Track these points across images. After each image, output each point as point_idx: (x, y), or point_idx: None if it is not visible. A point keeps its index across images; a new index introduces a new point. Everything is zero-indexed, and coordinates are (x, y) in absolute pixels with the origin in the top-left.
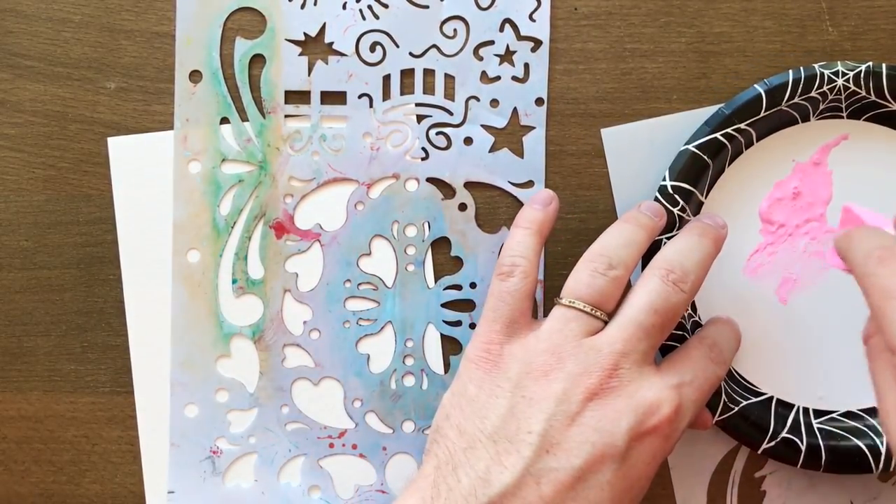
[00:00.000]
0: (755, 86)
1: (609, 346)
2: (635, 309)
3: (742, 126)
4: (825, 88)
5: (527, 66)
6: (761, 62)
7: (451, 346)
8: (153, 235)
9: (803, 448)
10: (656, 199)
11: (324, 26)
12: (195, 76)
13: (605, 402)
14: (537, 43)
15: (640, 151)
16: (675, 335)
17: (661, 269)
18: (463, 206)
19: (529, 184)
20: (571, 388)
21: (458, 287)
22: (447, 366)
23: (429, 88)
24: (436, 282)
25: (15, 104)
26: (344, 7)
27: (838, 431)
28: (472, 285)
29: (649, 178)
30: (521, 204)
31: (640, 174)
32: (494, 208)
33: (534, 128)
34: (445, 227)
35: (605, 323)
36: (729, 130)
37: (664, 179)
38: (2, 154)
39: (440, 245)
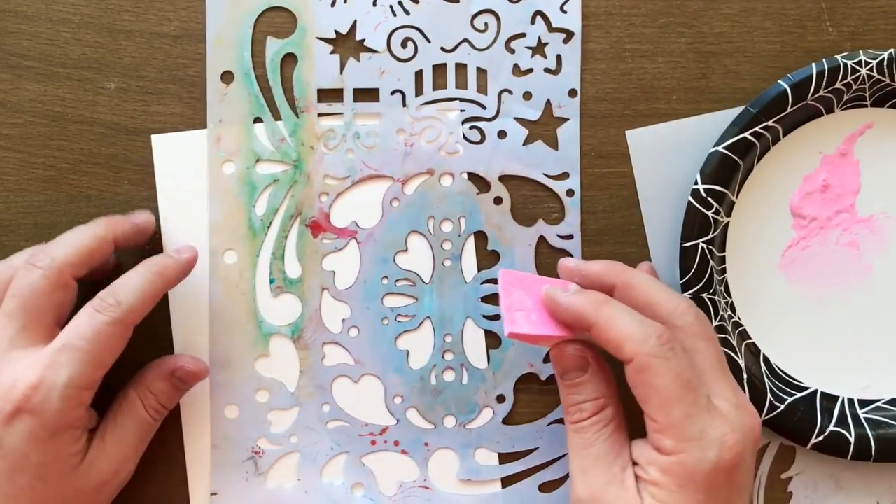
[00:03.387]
0: (780, 82)
1: None
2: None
3: (769, 123)
4: (849, 79)
5: (559, 57)
6: (761, 62)
7: (491, 341)
8: (193, 235)
9: (852, 440)
10: (689, 203)
11: (354, 23)
12: (227, 77)
13: None
14: (569, 34)
15: (666, 153)
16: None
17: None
18: (498, 200)
19: (564, 175)
20: None
21: (495, 281)
22: (488, 359)
23: (461, 83)
24: (473, 276)
25: (15, 105)
26: (374, 4)
27: (885, 420)
28: None
29: (675, 179)
30: (556, 195)
31: (666, 175)
32: (530, 201)
33: (567, 119)
34: (481, 221)
35: None
36: (757, 129)
37: (696, 183)
38: (2, 154)
39: (477, 239)
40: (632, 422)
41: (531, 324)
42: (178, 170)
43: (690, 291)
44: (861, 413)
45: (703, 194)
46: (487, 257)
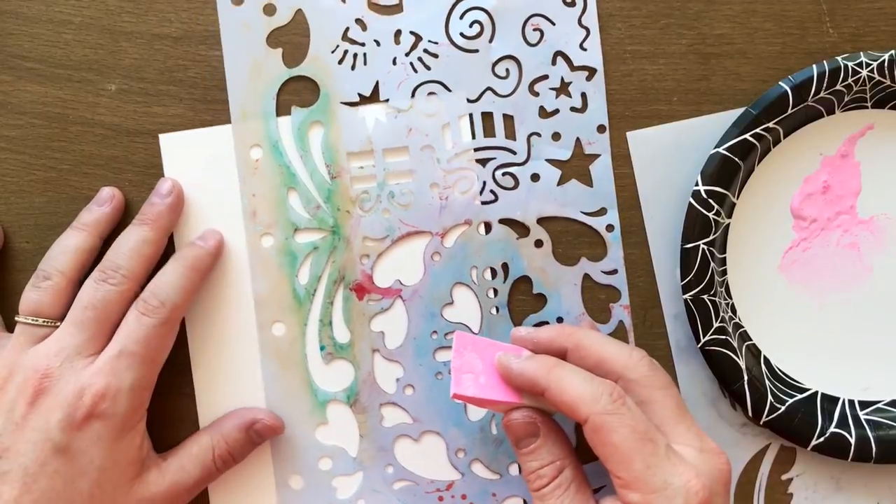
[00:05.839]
0: (780, 83)
1: (45, 349)
2: (71, 310)
3: (770, 125)
4: (850, 80)
5: (584, 95)
6: (762, 64)
7: None
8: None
9: (853, 441)
10: (690, 204)
11: (377, 84)
12: (255, 150)
13: (42, 402)
14: (592, 71)
15: (667, 154)
16: (718, 340)
17: (96, 271)
18: (539, 243)
19: (602, 211)
20: (17, 397)
21: (545, 324)
22: None
23: (489, 131)
24: (522, 321)
25: (16, 106)
26: (394, 62)
27: (886, 421)
28: (559, 320)
29: (676, 181)
30: (596, 232)
31: (667, 177)
32: (571, 240)
33: (599, 155)
34: (524, 266)
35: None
36: (758, 130)
37: (697, 184)
38: (3, 156)
39: (522, 284)
40: None
41: (478, 387)
42: (186, 168)
43: (691, 293)
44: (862, 414)
45: (704, 196)
46: (534, 301)
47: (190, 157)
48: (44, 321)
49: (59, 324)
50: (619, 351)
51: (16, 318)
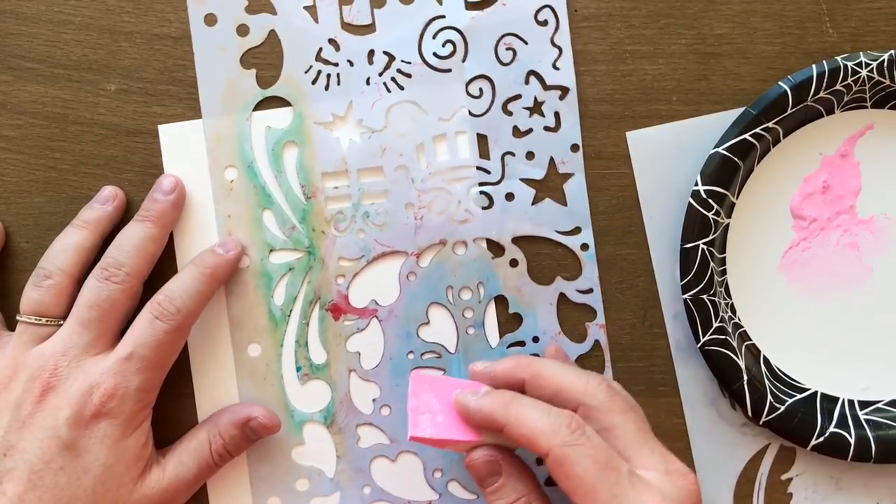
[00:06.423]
0: (780, 83)
1: (50, 348)
2: (75, 308)
3: (770, 124)
4: (849, 80)
5: (557, 114)
6: (761, 64)
7: None
8: (201, 223)
9: (853, 441)
10: (689, 204)
11: (350, 104)
12: (230, 171)
13: (49, 401)
14: (564, 90)
15: (666, 154)
16: (718, 340)
17: (98, 268)
18: (514, 262)
19: (577, 230)
20: (24, 395)
21: (521, 343)
22: None
23: (463, 150)
24: (499, 340)
25: (15, 106)
26: (368, 83)
27: (886, 421)
28: (535, 339)
29: (675, 181)
30: (571, 251)
31: (666, 177)
32: (546, 260)
33: (573, 174)
34: (500, 286)
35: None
36: (757, 130)
37: (696, 184)
38: (2, 156)
39: (498, 304)
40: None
41: (436, 427)
42: (185, 160)
43: (691, 293)
44: (861, 414)
45: (704, 195)
46: (511, 320)
47: (189, 149)
48: (47, 320)
49: (61, 322)
50: (577, 378)
51: (17, 318)
